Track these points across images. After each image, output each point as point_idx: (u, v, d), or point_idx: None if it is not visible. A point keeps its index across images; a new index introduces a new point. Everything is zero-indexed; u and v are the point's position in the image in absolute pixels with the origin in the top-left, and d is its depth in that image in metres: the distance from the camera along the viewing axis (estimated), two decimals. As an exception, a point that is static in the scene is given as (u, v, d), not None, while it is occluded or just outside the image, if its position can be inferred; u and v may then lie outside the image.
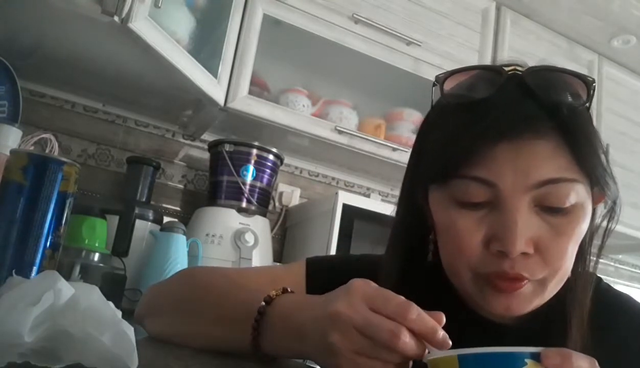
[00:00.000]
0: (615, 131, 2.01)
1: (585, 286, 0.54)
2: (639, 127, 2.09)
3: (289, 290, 0.50)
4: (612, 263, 2.50)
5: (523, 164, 0.47)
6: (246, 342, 0.48)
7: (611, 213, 0.56)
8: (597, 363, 0.36)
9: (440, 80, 0.54)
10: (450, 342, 0.39)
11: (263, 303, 0.48)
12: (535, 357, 0.34)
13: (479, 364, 0.34)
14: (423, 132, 0.58)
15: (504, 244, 0.47)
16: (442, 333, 0.38)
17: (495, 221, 0.48)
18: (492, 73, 0.52)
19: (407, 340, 0.38)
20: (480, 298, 0.51)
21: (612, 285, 0.61)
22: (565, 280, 0.52)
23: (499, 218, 0.48)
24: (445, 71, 0.54)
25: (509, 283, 0.49)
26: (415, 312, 0.39)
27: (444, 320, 0.40)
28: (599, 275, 0.61)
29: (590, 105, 0.51)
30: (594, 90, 0.50)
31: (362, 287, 0.41)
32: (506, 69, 0.52)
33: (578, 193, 0.48)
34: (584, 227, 0.50)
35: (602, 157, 0.51)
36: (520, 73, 0.50)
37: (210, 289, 0.58)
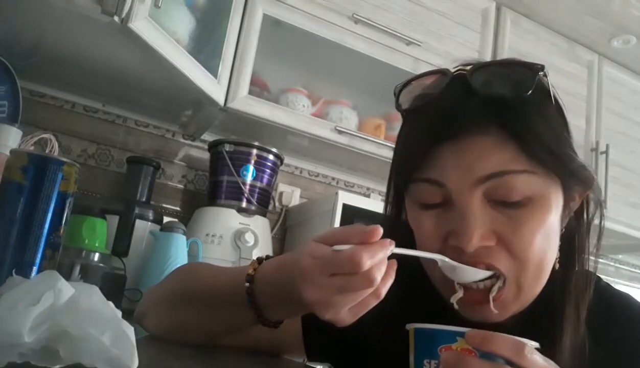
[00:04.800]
0: (615, 131, 2.01)
1: (582, 282, 0.54)
2: (639, 127, 2.09)
3: (264, 257, 0.55)
4: (612, 263, 2.50)
5: (465, 162, 0.48)
6: (248, 316, 0.53)
7: (600, 209, 0.56)
8: (526, 347, 0.38)
9: (397, 90, 0.57)
10: (381, 231, 0.42)
11: (247, 283, 0.53)
12: (464, 336, 0.40)
13: (425, 335, 0.42)
14: (395, 142, 0.59)
15: (459, 240, 0.48)
16: (370, 228, 0.42)
17: (451, 218, 0.50)
18: (439, 76, 0.53)
19: (363, 254, 0.41)
20: (457, 308, 0.52)
21: (612, 285, 0.61)
22: (542, 277, 0.51)
23: (454, 215, 0.50)
24: (406, 79, 0.57)
25: (479, 297, 0.50)
26: (356, 230, 0.43)
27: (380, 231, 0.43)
28: (598, 274, 0.61)
29: (550, 92, 0.52)
30: (545, 77, 0.51)
31: (312, 240, 0.45)
32: (453, 69, 0.53)
33: (532, 185, 0.48)
34: (548, 219, 0.49)
35: (568, 148, 0.51)
36: (464, 72, 0.51)
37: (202, 277, 0.62)
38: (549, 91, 0.52)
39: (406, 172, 0.53)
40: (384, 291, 0.44)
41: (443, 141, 0.49)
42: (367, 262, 0.41)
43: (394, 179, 0.58)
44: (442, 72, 0.53)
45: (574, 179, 0.51)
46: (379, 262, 0.42)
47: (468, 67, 0.52)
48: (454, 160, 0.49)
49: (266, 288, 0.52)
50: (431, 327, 0.42)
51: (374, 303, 0.44)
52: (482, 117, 0.48)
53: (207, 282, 0.61)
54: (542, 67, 0.50)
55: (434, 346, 0.41)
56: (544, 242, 0.50)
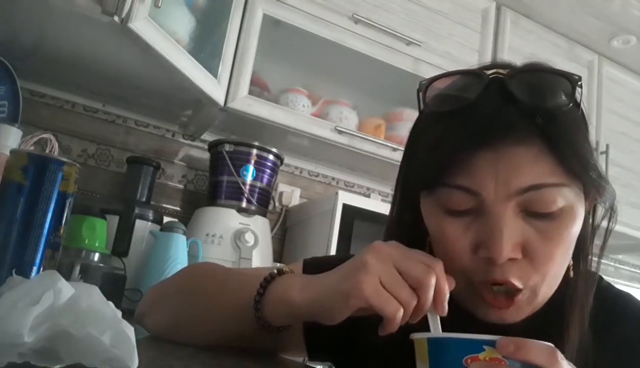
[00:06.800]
0: (615, 131, 2.01)
1: (586, 285, 0.54)
2: (639, 127, 2.09)
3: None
4: (612, 263, 2.50)
5: (503, 172, 0.47)
6: (249, 311, 0.53)
7: (610, 213, 0.56)
8: (558, 353, 0.37)
9: (423, 87, 0.54)
10: (446, 310, 0.45)
11: (275, 271, 0.54)
12: (492, 344, 0.37)
13: (442, 346, 0.39)
14: (411, 139, 0.58)
15: (491, 251, 0.47)
16: (446, 304, 0.45)
17: (482, 227, 0.49)
18: (473, 77, 0.51)
19: (433, 282, 0.44)
20: (474, 308, 0.52)
21: (613, 284, 0.61)
22: (556, 283, 0.51)
23: (485, 225, 0.48)
24: (434, 75, 0.54)
25: (503, 301, 0.49)
26: (440, 266, 0.46)
27: (454, 284, 0.47)
28: (600, 274, 0.61)
29: (579, 103, 0.51)
30: (580, 88, 0.49)
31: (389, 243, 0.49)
32: (488, 72, 0.51)
33: (565, 197, 0.48)
34: (573, 230, 0.49)
35: (592, 158, 0.50)
36: (502, 76, 0.50)
37: (213, 276, 0.62)
38: (579, 101, 0.51)
39: (434, 175, 0.50)
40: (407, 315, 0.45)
41: (480, 147, 0.47)
42: (438, 266, 0.46)
43: (409, 179, 0.57)
44: (476, 74, 0.51)
45: (594, 188, 0.51)
46: (441, 279, 0.45)
47: (505, 71, 0.50)
48: (491, 170, 0.47)
49: (290, 277, 0.53)
50: (449, 336, 0.40)
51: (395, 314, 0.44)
52: (521, 126, 0.47)
53: (220, 279, 0.61)
54: (579, 78, 0.49)
55: (457, 356, 0.38)
56: (565, 253, 0.50)
